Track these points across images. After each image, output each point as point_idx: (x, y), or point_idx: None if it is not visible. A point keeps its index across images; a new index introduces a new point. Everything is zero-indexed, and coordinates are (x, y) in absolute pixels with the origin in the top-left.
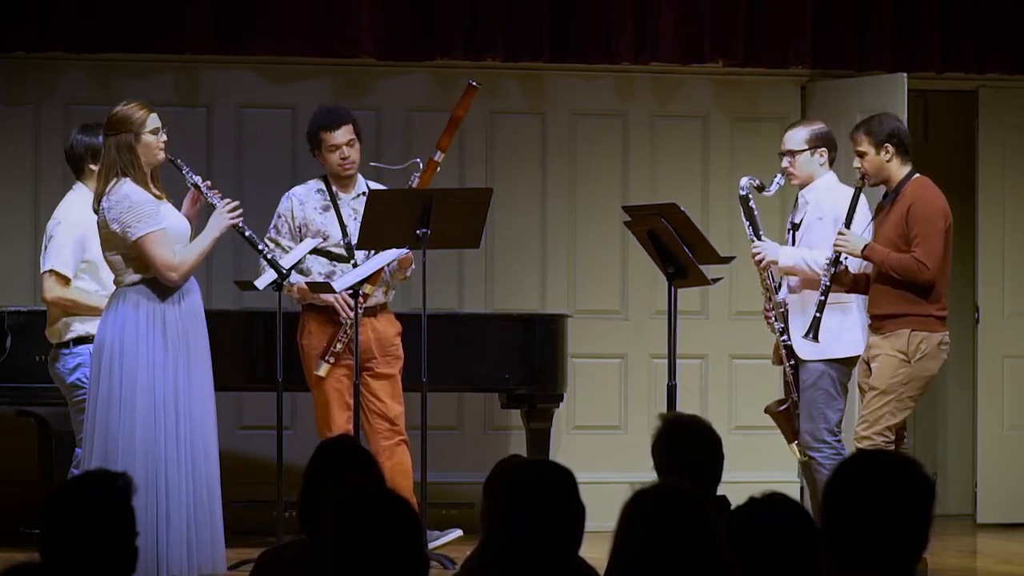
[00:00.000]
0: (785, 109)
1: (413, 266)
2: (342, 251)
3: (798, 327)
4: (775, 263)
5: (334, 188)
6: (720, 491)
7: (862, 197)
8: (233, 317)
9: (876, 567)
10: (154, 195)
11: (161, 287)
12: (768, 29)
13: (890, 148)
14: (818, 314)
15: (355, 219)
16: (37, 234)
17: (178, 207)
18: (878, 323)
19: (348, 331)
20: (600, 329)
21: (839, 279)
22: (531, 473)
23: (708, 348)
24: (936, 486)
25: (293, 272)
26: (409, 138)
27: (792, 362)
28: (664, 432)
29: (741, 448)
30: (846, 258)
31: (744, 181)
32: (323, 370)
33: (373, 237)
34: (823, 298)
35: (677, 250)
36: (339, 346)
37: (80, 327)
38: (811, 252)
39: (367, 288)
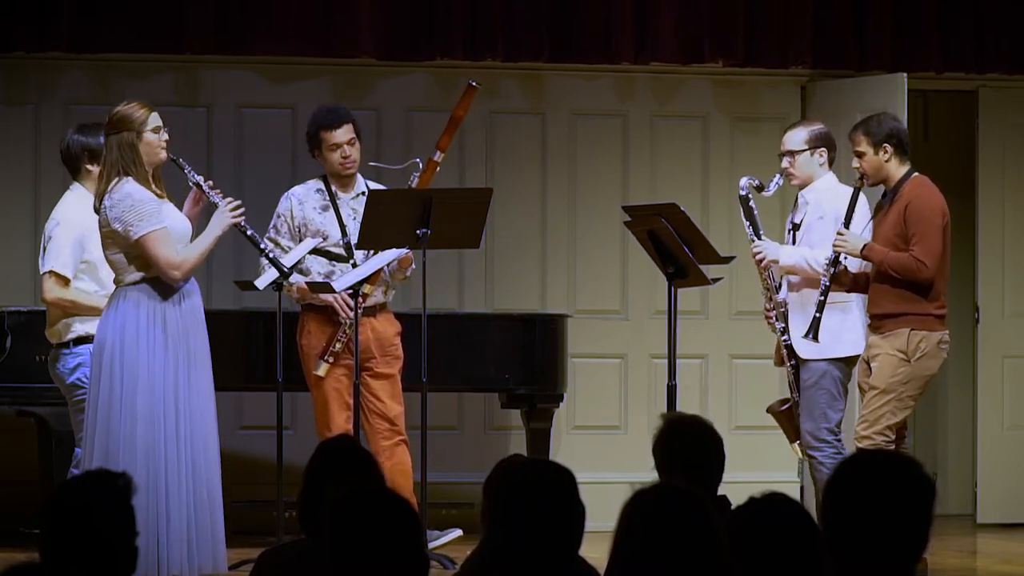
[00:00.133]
0: (785, 109)
1: (413, 266)
2: (341, 251)
3: (799, 326)
4: (776, 262)
5: (333, 188)
6: (720, 491)
7: (862, 197)
8: (233, 317)
9: (876, 567)
10: (155, 194)
11: (162, 287)
12: (768, 29)
13: (888, 148)
14: (818, 314)
15: (354, 219)
16: (37, 234)
17: (179, 208)
18: (877, 322)
19: (347, 331)
20: (600, 329)
21: (839, 279)
22: (531, 473)
23: (708, 348)
24: (936, 486)
25: (293, 272)
26: (409, 138)
27: (793, 362)
28: (665, 432)
29: (741, 448)
30: (845, 258)
31: (744, 181)
32: (322, 370)
33: (373, 237)
34: (823, 298)
35: (677, 250)
36: (338, 346)
37: (80, 327)
38: (812, 251)
39: (367, 288)
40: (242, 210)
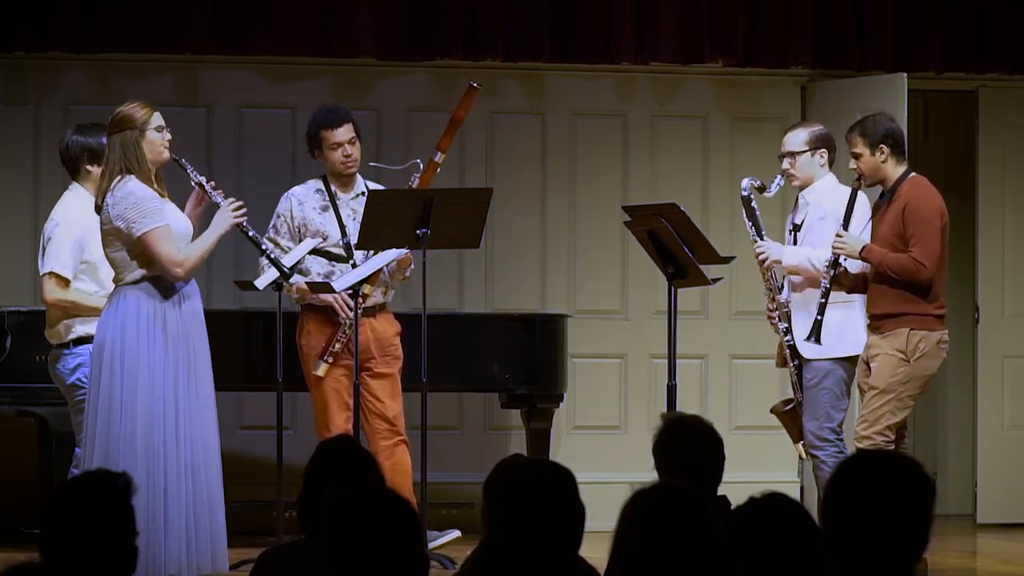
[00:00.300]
0: (785, 109)
1: (412, 266)
2: (341, 251)
3: (801, 326)
4: (779, 263)
5: (333, 188)
6: (720, 491)
7: (861, 197)
8: (233, 317)
9: (876, 567)
10: (158, 193)
11: (163, 286)
12: (768, 29)
13: (885, 149)
14: (819, 316)
15: (354, 219)
16: (37, 234)
17: (180, 208)
18: (877, 323)
19: (347, 331)
20: (600, 329)
21: (839, 281)
22: (531, 473)
23: (708, 348)
24: (936, 486)
25: (294, 273)
26: (409, 138)
27: (796, 362)
28: (665, 432)
29: (741, 448)
30: (845, 259)
31: (746, 182)
32: (321, 370)
33: (373, 237)
34: (823, 300)
35: (677, 250)
36: (338, 346)
37: (81, 328)
38: (814, 251)
39: (366, 288)
40: (244, 210)
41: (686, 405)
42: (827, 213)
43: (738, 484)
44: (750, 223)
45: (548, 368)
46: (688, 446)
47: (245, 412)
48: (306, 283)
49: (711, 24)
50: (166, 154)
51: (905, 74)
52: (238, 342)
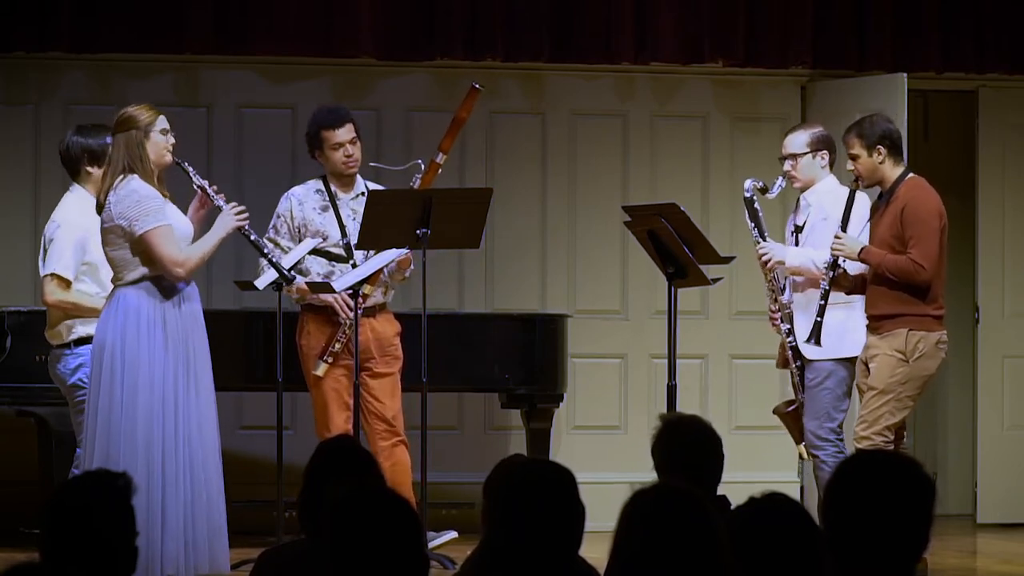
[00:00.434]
0: (785, 109)
1: (412, 267)
2: (341, 251)
3: (804, 327)
4: (782, 264)
5: (333, 188)
6: (720, 491)
7: (859, 199)
8: (233, 317)
9: (876, 567)
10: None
11: (163, 287)
12: (768, 29)
13: (882, 150)
14: (819, 318)
15: (354, 219)
16: (37, 234)
17: (182, 212)
18: (875, 323)
19: (347, 331)
20: (600, 329)
21: (838, 282)
22: (531, 473)
23: (708, 348)
24: (936, 486)
25: (292, 272)
26: (409, 138)
27: (798, 363)
28: (664, 432)
29: (741, 448)
30: (844, 261)
31: (748, 183)
32: (321, 370)
33: (373, 237)
34: (823, 302)
35: (677, 250)
36: (337, 346)
37: (82, 328)
38: (817, 252)
39: (366, 288)
40: (246, 214)
41: (686, 405)
42: (829, 214)
43: (738, 484)
44: (753, 224)
45: (548, 368)
46: (687, 446)
47: (245, 412)
48: (306, 283)
49: (711, 24)
50: (169, 157)
51: (905, 74)
52: (238, 342)
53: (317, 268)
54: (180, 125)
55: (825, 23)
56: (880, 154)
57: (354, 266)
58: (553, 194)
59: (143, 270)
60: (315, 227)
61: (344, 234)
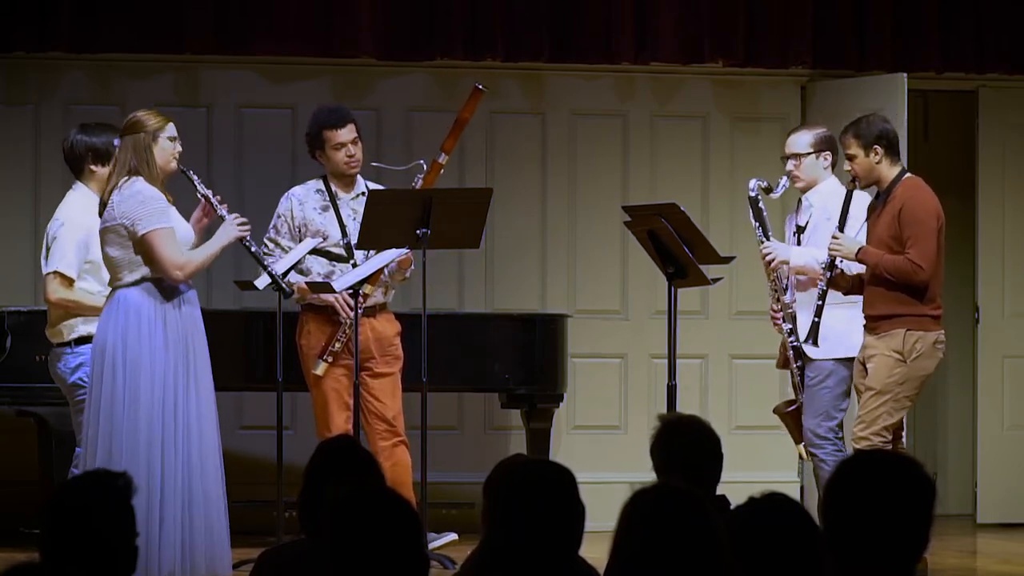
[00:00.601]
0: (785, 109)
1: (412, 267)
2: (341, 251)
3: (806, 325)
4: (786, 263)
5: (334, 188)
6: (720, 491)
7: (856, 199)
8: (233, 317)
9: (876, 567)
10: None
11: (164, 288)
12: (768, 29)
13: (879, 150)
14: (816, 319)
15: (354, 219)
16: (37, 234)
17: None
18: (873, 324)
19: (347, 331)
20: (600, 329)
21: (836, 283)
22: (531, 473)
23: (708, 348)
24: (936, 486)
25: (293, 272)
26: (409, 138)
27: (799, 363)
28: (663, 433)
29: (741, 448)
30: (841, 261)
31: (753, 183)
32: (320, 369)
33: (373, 237)
34: (820, 303)
35: (677, 250)
36: (337, 345)
37: (83, 327)
38: (821, 252)
39: (367, 288)
40: (248, 226)
41: (686, 405)
42: (833, 215)
43: (738, 484)
44: (757, 224)
45: (548, 368)
46: (686, 446)
47: (245, 412)
48: (306, 283)
49: (711, 24)
50: (174, 164)
51: (905, 74)
52: (238, 342)
53: (318, 268)
54: (180, 125)
55: (825, 23)
56: (877, 154)
57: (355, 266)
58: (553, 194)
59: (144, 271)
60: (316, 227)
61: (345, 234)
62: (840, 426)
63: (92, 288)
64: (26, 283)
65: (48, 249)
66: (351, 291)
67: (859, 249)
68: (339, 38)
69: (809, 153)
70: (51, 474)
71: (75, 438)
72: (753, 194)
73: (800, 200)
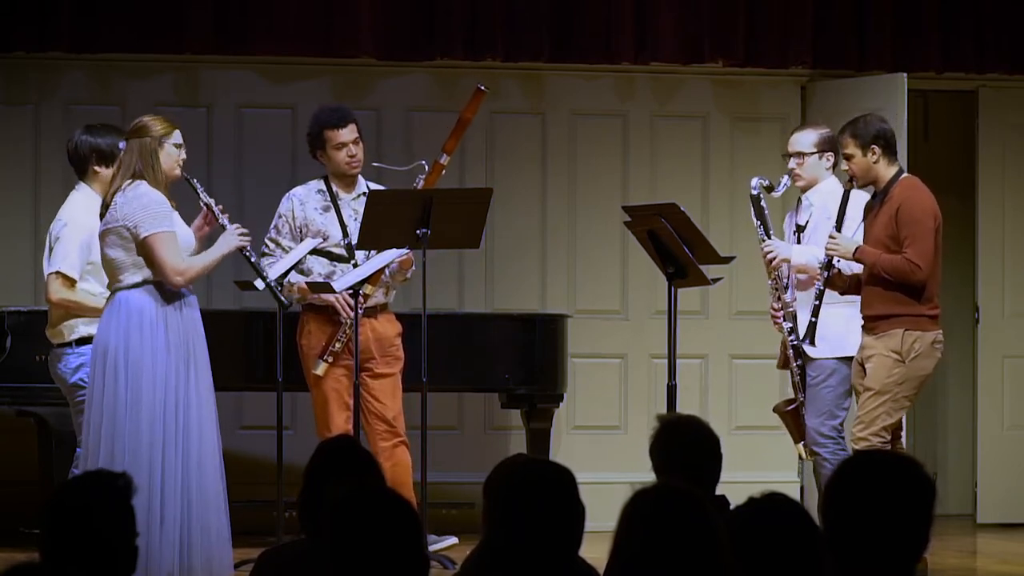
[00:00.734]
0: (785, 109)
1: (413, 268)
2: (342, 251)
3: (806, 324)
4: (787, 262)
5: (335, 188)
6: (720, 491)
7: (854, 199)
8: (233, 317)
9: (876, 567)
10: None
11: (164, 291)
12: (768, 29)
13: (876, 150)
14: (813, 319)
15: (355, 219)
16: (37, 234)
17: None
18: (871, 324)
19: (347, 331)
20: (600, 329)
21: (833, 282)
22: (531, 473)
23: (708, 348)
24: (936, 486)
25: (293, 272)
26: (409, 138)
27: (799, 362)
28: (662, 433)
29: (741, 448)
30: (839, 261)
31: (755, 181)
32: (320, 369)
33: (373, 237)
34: (817, 303)
35: (677, 250)
36: (338, 345)
37: (84, 328)
38: (821, 250)
39: (368, 289)
40: (249, 236)
41: (686, 405)
42: (833, 214)
43: (738, 484)
44: (758, 222)
45: (548, 368)
46: (686, 447)
47: (245, 412)
48: (306, 283)
49: (711, 24)
50: (178, 171)
51: (905, 74)
52: (238, 342)
53: (319, 268)
54: (180, 125)
55: (825, 23)
56: (874, 154)
57: (355, 266)
58: (553, 194)
59: (145, 273)
60: (316, 227)
61: (345, 234)
62: (843, 425)
63: (94, 289)
64: (26, 283)
65: (51, 249)
66: (351, 291)
67: (856, 249)
68: (339, 38)
69: (812, 152)
70: (51, 474)
71: (75, 438)
72: (755, 192)
73: (800, 199)
